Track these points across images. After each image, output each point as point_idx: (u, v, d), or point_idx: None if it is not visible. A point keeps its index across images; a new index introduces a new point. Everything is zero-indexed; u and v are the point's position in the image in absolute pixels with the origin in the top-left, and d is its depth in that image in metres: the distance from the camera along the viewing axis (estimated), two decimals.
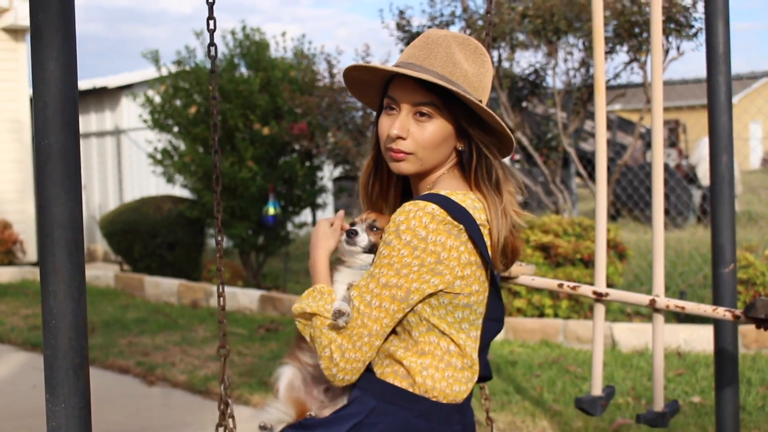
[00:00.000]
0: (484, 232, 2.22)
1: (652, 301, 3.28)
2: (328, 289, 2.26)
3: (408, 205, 2.18)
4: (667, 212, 14.10)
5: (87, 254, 14.82)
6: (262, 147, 10.67)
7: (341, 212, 2.44)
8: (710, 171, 3.51)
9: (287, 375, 2.44)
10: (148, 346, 7.68)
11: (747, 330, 6.74)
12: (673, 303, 3.26)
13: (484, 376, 2.38)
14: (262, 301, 9.21)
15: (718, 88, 3.48)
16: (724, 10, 3.45)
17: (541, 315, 7.55)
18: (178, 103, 10.95)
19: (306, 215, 12.11)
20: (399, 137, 2.25)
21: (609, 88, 9.55)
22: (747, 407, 5.37)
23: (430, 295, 2.19)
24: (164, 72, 11.19)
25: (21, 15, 13.51)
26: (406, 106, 2.25)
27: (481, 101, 2.24)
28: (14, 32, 13.88)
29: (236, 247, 11.28)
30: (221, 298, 2.46)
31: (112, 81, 15.09)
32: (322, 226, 2.39)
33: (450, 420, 2.26)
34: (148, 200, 11.82)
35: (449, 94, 2.22)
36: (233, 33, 11.11)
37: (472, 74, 2.25)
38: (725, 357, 3.52)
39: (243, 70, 11.17)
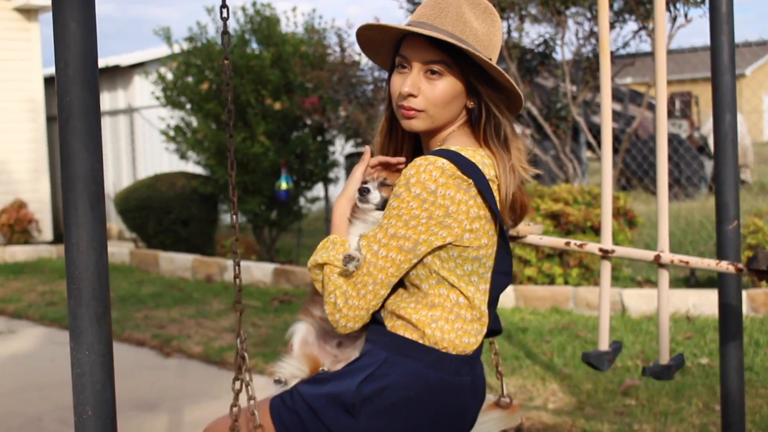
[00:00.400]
0: (493, 187, 2.27)
1: (657, 257, 3.35)
2: (341, 239, 2.33)
3: (418, 160, 2.23)
4: (678, 182, 14.14)
5: None
6: (273, 122, 10.76)
7: (367, 149, 2.48)
8: (714, 129, 3.57)
9: (301, 331, 2.52)
10: (163, 320, 7.80)
11: (756, 293, 6.81)
12: (678, 258, 3.33)
13: (494, 330, 2.44)
14: (276, 275, 9.32)
15: (721, 48, 3.53)
16: None
17: (552, 283, 7.63)
18: (190, 79, 11.04)
19: (318, 190, 12.20)
20: (410, 95, 2.30)
21: (618, 57, 9.59)
22: (755, 368, 5.45)
23: (440, 248, 2.24)
24: (176, 49, 11.27)
25: None
26: (417, 65, 2.31)
27: (491, 59, 2.30)
28: (27, 12, 13.98)
29: (249, 222, 11.40)
30: (236, 258, 2.54)
31: (124, 59, 15.17)
32: (356, 171, 2.45)
33: (459, 371, 2.32)
34: (162, 177, 11.93)
35: (459, 53, 2.27)
36: (244, 9, 11.18)
37: (482, 33, 2.30)
38: (729, 313, 3.59)
39: (254, 45, 11.24)
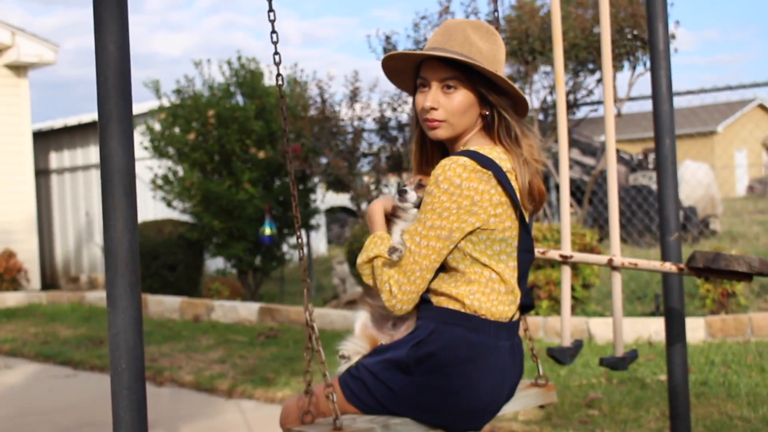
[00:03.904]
0: (511, 177, 2.70)
1: (610, 260, 3.79)
2: (385, 235, 2.77)
3: (444, 161, 2.68)
4: (649, 230, 14.62)
5: (88, 282, 15.28)
6: (258, 170, 11.22)
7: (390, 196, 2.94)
8: (656, 153, 4.03)
9: (361, 318, 2.96)
10: (155, 354, 8.14)
11: (713, 320, 7.28)
12: (628, 261, 3.76)
13: (527, 305, 2.86)
14: (261, 313, 9.70)
15: (660, 81, 4.01)
16: (662, 13, 3.99)
17: None
18: (177, 130, 11.49)
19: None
20: (432, 108, 2.76)
21: (581, 104, 10.10)
22: (709, 382, 5.88)
23: (470, 233, 2.66)
24: (165, 102, 11.73)
25: (23, 51, 14.09)
26: (435, 83, 2.77)
27: (497, 71, 2.75)
28: (17, 68, 14.44)
29: (234, 267, 11.79)
30: (298, 234, 2.91)
31: None
32: (378, 200, 2.90)
33: (498, 335, 2.72)
34: (150, 224, 12.29)
35: (469, 68, 2.73)
36: (229, 63, 11.66)
37: (487, 51, 2.76)
38: (673, 314, 4.02)
39: (239, 98, 11.72)
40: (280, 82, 2.86)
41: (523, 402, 3.05)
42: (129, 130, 2.44)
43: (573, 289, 8.04)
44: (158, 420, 5.84)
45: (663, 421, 5.06)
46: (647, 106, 13.48)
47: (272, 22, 2.84)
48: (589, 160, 17.58)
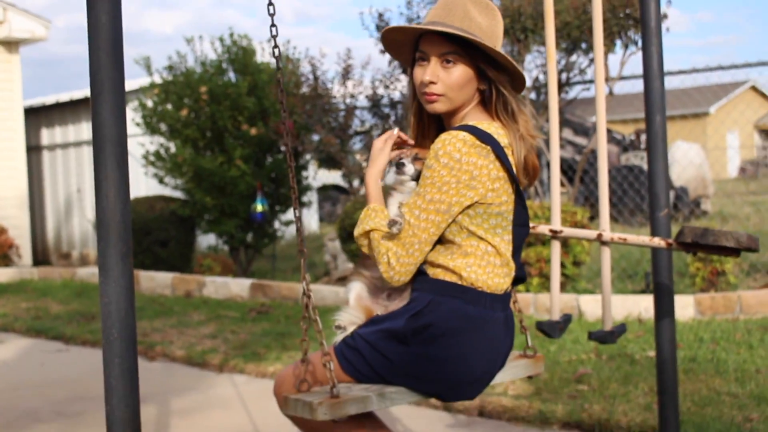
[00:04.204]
0: (508, 152, 2.74)
1: (599, 235, 3.81)
2: (380, 207, 2.79)
3: (443, 135, 2.71)
4: (641, 209, 14.68)
5: (80, 258, 15.28)
6: (249, 147, 11.22)
7: (391, 132, 2.90)
8: (646, 129, 4.05)
9: (355, 288, 2.96)
10: (146, 329, 8.16)
11: (702, 298, 7.33)
12: (617, 236, 3.78)
13: (520, 277, 2.91)
14: (253, 289, 9.73)
15: (651, 58, 4.02)
16: None
17: None
18: (169, 106, 11.48)
19: (292, 213, 12.62)
20: (431, 82, 2.77)
21: (573, 83, 10.11)
22: (698, 359, 5.93)
23: (468, 207, 2.70)
24: (156, 79, 11.71)
25: (15, 27, 14.01)
26: (434, 57, 2.78)
27: (495, 47, 2.77)
28: (8, 44, 14.36)
29: (226, 243, 11.80)
30: (296, 205, 2.91)
31: None
32: (376, 145, 2.88)
33: (494, 306, 2.77)
34: (142, 200, 12.28)
35: (468, 43, 2.74)
36: (221, 39, 11.64)
37: (486, 26, 2.77)
38: (662, 290, 4.05)
39: (231, 74, 11.70)
40: (279, 77, 2.82)
41: (512, 372, 3.09)
42: (121, 100, 2.45)
43: (564, 266, 8.08)
44: (150, 394, 5.86)
45: (651, 396, 5.10)
46: (640, 86, 13.48)
47: (272, 15, 2.82)
48: (581, 140, 17.64)
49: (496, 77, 2.78)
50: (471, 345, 2.74)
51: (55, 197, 16.42)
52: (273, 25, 2.82)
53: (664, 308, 4.07)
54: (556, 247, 3.98)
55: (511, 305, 3.01)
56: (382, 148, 2.87)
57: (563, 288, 8.12)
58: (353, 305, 2.93)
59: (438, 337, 2.71)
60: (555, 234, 3.93)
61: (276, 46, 2.83)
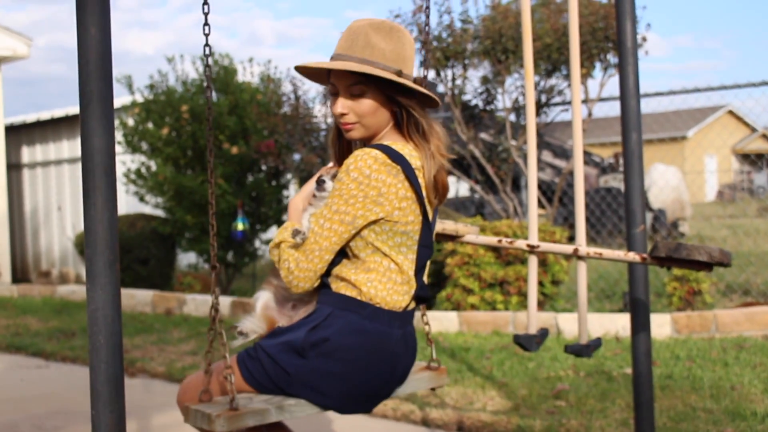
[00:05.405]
0: (419, 174, 2.84)
1: (576, 250, 3.88)
2: (295, 224, 2.88)
3: (357, 151, 2.81)
4: (619, 231, 14.77)
5: (59, 276, 15.23)
6: (230, 165, 11.24)
7: (323, 169, 3.05)
8: (623, 147, 4.14)
9: (263, 297, 3.08)
10: (127, 346, 8.15)
11: (679, 316, 7.42)
12: (593, 250, 3.85)
13: (423, 297, 2.99)
14: (233, 306, 9.74)
15: (627, 77, 4.12)
16: (630, 11, 4.09)
17: (493, 309, 8.15)
18: (150, 125, 11.51)
19: (273, 232, 12.65)
20: (342, 113, 2.89)
21: (552, 104, 10.21)
22: (674, 376, 6.00)
23: (374, 222, 2.79)
24: (138, 97, 11.74)
25: None
26: (342, 90, 2.89)
27: (401, 70, 2.85)
28: None
29: (206, 261, 11.81)
30: (212, 218, 2.99)
31: None
32: (309, 181, 3.02)
33: (391, 323, 2.85)
34: (122, 218, 12.27)
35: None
36: (202, 58, 11.66)
37: (389, 51, 2.86)
38: (638, 305, 4.13)
39: (213, 93, 11.74)
40: (208, 73, 2.85)
41: (414, 385, 3.16)
42: (109, 110, 2.50)
43: (542, 285, 8.15)
44: (131, 410, 5.79)
45: (628, 412, 5.16)
46: (618, 109, 13.61)
47: (206, 15, 2.83)
48: (560, 162, 17.76)
49: (404, 101, 2.88)
50: (367, 360, 2.81)
51: (35, 215, 16.37)
52: (206, 23, 2.83)
53: (640, 323, 4.15)
54: (533, 261, 4.04)
55: (420, 321, 3.18)
56: (311, 181, 3.01)
57: (542, 307, 8.20)
58: (258, 314, 3.03)
59: (334, 352, 2.79)
60: (532, 248, 4.00)
61: (207, 44, 2.84)
